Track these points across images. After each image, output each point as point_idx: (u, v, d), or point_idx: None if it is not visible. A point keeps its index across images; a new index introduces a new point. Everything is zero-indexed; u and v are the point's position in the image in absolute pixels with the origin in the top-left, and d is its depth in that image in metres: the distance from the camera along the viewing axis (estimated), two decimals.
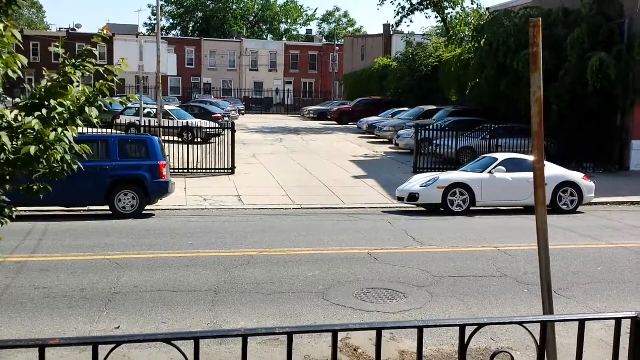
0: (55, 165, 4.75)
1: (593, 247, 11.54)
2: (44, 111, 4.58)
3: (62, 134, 4.59)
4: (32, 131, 4.49)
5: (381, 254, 10.61)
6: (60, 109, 4.62)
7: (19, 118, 4.65)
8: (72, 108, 4.70)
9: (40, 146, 4.47)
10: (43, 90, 4.76)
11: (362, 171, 22.30)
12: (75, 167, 4.91)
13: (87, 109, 4.80)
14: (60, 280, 8.69)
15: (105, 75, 5.02)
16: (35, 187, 4.98)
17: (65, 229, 12.45)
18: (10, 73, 4.52)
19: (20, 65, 4.56)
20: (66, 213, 14.39)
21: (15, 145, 4.51)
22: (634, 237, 12.53)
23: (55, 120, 4.59)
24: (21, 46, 4.71)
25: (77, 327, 7.00)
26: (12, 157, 4.53)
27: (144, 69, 22.56)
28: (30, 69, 4.91)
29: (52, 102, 4.67)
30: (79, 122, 4.78)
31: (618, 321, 2.79)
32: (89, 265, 9.56)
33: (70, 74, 4.81)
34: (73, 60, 4.81)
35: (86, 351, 5.94)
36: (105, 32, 5.11)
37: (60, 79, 4.78)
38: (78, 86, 4.85)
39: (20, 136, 4.53)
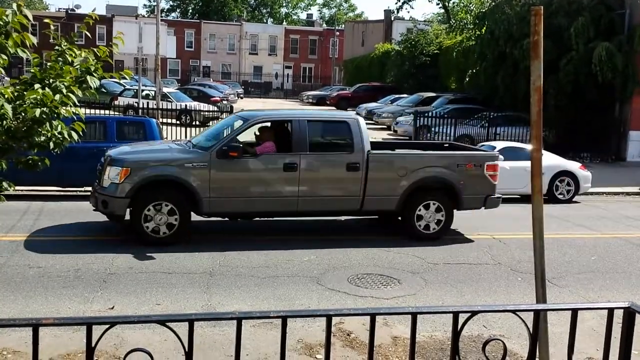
0: (57, 134, 4.75)
1: (588, 236, 11.58)
2: (45, 83, 4.62)
3: (67, 97, 4.61)
4: (34, 100, 4.50)
5: (377, 240, 10.62)
6: (60, 85, 4.63)
7: (20, 89, 4.66)
8: (71, 82, 4.72)
9: (45, 109, 4.48)
10: (40, 71, 4.76)
11: None
12: (75, 136, 4.91)
13: (88, 77, 4.81)
14: (55, 260, 8.69)
15: (103, 50, 5.02)
16: (31, 161, 4.97)
17: (61, 209, 12.44)
18: (19, 52, 4.52)
19: (29, 45, 4.55)
20: (63, 193, 14.36)
21: (19, 115, 4.52)
22: (628, 227, 12.57)
23: (58, 89, 4.61)
24: (29, 27, 4.70)
25: (71, 307, 7.02)
26: (14, 124, 4.54)
27: (142, 51, 22.36)
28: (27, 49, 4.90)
29: (52, 81, 4.68)
30: (79, 92, 4.80)
31: (610, 311, 2.81)
32: (85, 245, 9.56)
33: (71, 56, 4.80)
34: (60, 47, 4.82)
35: (80, 331, 5.95)
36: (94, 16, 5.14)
37: (60, 61, 4.78)
38: (81, 58, 4.86)
39: (24, 104, 4.55)
